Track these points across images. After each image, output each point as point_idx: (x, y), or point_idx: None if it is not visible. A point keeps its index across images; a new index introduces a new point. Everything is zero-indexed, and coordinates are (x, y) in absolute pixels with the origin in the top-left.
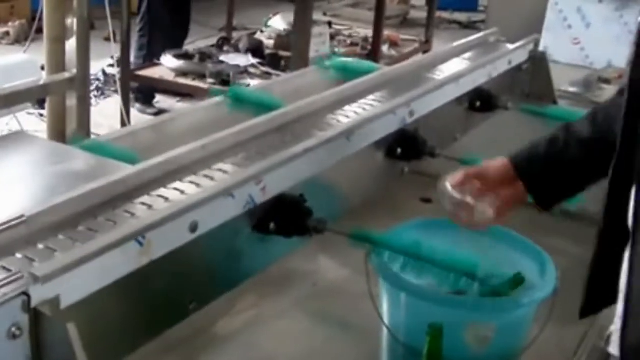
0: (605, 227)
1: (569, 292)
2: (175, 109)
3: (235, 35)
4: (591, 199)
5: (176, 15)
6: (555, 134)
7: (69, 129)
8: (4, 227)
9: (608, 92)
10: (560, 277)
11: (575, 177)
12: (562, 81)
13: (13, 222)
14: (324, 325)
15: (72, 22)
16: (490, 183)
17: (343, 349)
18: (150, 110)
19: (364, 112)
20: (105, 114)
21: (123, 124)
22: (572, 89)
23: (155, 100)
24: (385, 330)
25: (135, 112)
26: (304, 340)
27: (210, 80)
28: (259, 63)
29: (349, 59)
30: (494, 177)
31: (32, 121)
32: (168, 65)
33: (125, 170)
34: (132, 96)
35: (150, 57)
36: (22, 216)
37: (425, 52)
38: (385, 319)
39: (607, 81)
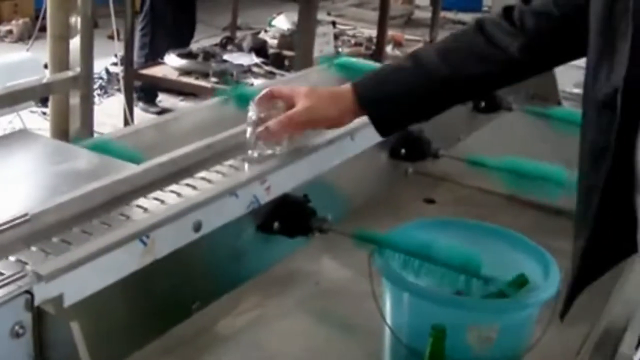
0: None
1: None
2: (178, 108)
3: (239, 34)
4: None
5: (180, 15)
6: (403, 66)
7: (72, 128)
8: (8, 225)
9: None
10: (564, 279)
11: (421, 109)
12: (567, 82)
13: (17, 221)
14: (327, 325)
15: (75, 20)
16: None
17: (345, 349)
18: (153, 109)
19: None
20: (109, 113)
21: (126, 123)
22: (575, 90)
23: (158, 99)
24: (387, 331)
25: (138, 111)
26: (307, 340)
27: (213, 79)
28: (263, 62)
29: (354, 59)
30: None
31: (35, 119)
32: (172, 64)
33: (129, 169)
34: (135, 95)
35: (153, 57)
36: (25, 214)
37: None
38: (388, 319)
39: None
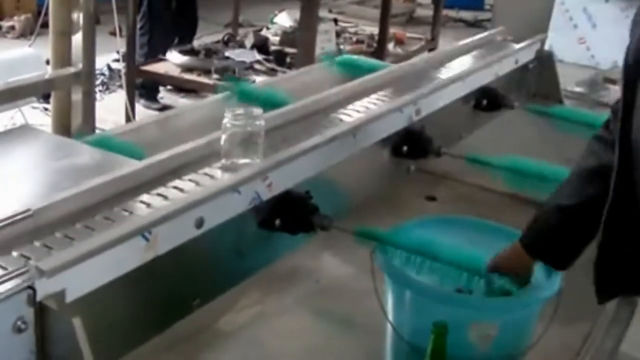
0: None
1: (574, 291)
2: (179, 104)
3: (240, 31)
4: None
5: (179, 13)
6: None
7: (73, 124)
8: (10, 221)
9: (613, 92)
10: (565, 277)
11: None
12: (568, 81)
13: (19, 216)
14: (328, 323)
15: (78, 16)
16: None
17: (346, 346)
18: (154, 106)
19: (370, 109)
20: (110, 109)
21: (128, 119)
22: (577, 89)
23: (160, 96)
24: (389, 328)
25: (139, 107)
26: (307, 338)
27: (215, 76)
28: (265, 59)
29: (356, 57)
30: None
31: (37, 115)
32: (174, 60)
33: (131, 165)
34: (136, 92)
35: (152, 56)
36: (28, 210)
37: (431, 50)
38: (390, 317)
39: (612, 81)
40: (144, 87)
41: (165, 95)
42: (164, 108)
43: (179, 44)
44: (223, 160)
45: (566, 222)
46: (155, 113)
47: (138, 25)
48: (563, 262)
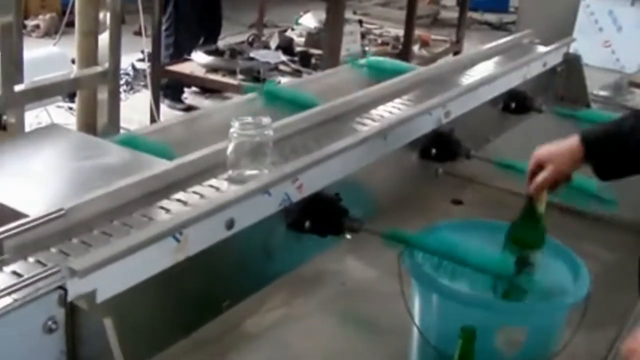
0: None
1: (601, 297)
2: (203, 105)
3: (265, 32)
4: (623, 206)
5: (204, 14)
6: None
7: (99, 123)
8: (44, 220)
9: (638, 96)
10: (593, 282)
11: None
12: (593, 84)
13: (52, 216)
14: (353, 325)
15: (104, 16)
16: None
17: (371, 349)
18: (179, 106)
19: (399, 111)
20: (135, 109)
21: (152, 119)
22: (602, 93)
23: (184, 96)
24: (415, 332)
25: (163, 107)
26: (333, 340)
27: (240, 77)
28: (290, 60)
29: (382, 58)
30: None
31: (62, 114)
32: (199, 61)
33: (162, 165)
34: (160, 92)
35: (177, 57)
36: (61, 209)
37: (456, 52)
38: (417, 320)
39: (637, 85)
40: (169, 88)
41: (189, 96)
42: (189, 108)
43: (203, 44)
44: (230, 172)
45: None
46: (180, 113)
47: (163, 27)
48: (611, 169)
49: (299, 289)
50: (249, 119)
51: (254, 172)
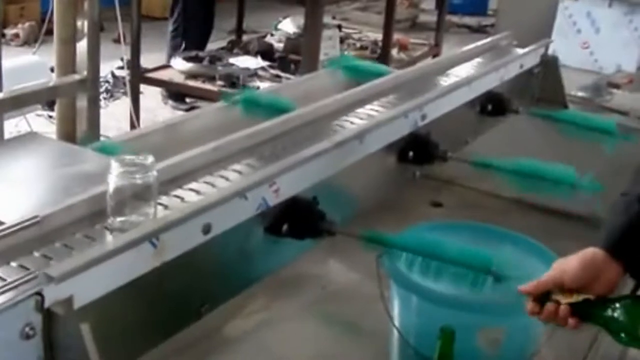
0: None
1: None
2: (204, 105)
3: (244, 38)
4: (603, 204)
5: (208, 14)
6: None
7: (78, 131)
8: (18, 227)
9: (617, 97)
10: None
11: None
12: (571, 86)
13: (27, 223)
14: (334, 328)
15: (82, 23)
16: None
17: (353, 352)
18: (182, 107)
19: (376, 115)
20: (114, 116)
21: (132, 126)
22: (581, 94)
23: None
24: (395, 333)
25: (166, 108)
26: (314, 343)
27: (220, 83)
28: (269, 66)
29: (360, 62)
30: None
31: (41, 122)
32: (178, 67)
33: None
34: (164, 93)
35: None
36: (36, 217)
37: (434, 55)
38: (396, 322)
39: (616, 86)
40: None
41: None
42: (192, 108)
43: (204, 44)
44: (110, 220)
45: None
46: (161, 120)
47: (170, 28)
48: None
49: (279, 293)
50: (131, 158)
51: (140, 218)
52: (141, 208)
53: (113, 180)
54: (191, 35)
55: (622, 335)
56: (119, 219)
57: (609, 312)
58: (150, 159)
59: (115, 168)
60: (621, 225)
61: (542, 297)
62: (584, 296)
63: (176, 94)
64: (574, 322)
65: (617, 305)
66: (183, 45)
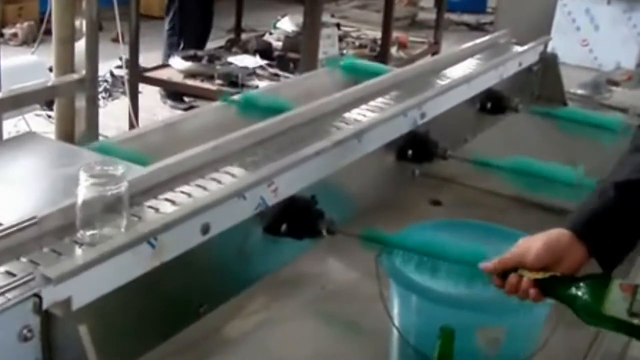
0: None
1: None
2: (204, 104)
3: (243, 36)
4: None
5: (206, 13)
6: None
7: (77, 131)
8: (16, 228)
9: (616, 94)
10: None
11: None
12: (570, 83)
13: (24, 224)
14: (334, 328)
15: (80, 23)
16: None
17: (352, 352)
18: (181, 106)
19: (374, 113)
20: (113, 116)
21: (131, 126)
22: (580, 91)
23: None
24: (395, 333)
25: (143, 113)
26: (314, 343)
27: (218, 82)
28: (268, 64)
29: (359, 60)
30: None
31: (40, 122)
32: (176, 66)
33: (136, 171)
34: (163, 92)
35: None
36: (33, 217)
37: (434, 53)
38: (396, 321)
39: (615, 83)
40: None
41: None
42: (190, 107)
43: (203, 43)
44: (80, 233)
45: (625, 202)
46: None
47: (167, 26)
48: (613, 257)
49: (279, 293)
50: (101, 168)
51: (112, 231)
52: (112, 220)
53: (82, 192)
54: (189, 34)
55: (585, 313)
56: (89, 232)
57: (573, 290)
58: (121, 169)
59: (83, 179)
60: (592, 209)
61: (508, 271)
62: (550, 273)
63: (175, 93)
64: (535, 293)
65: (582, 284)
66: (181, 44)
